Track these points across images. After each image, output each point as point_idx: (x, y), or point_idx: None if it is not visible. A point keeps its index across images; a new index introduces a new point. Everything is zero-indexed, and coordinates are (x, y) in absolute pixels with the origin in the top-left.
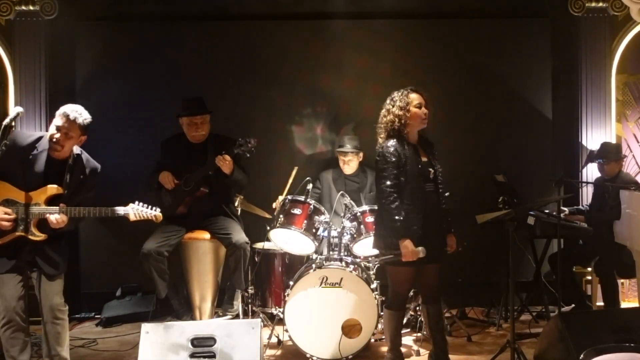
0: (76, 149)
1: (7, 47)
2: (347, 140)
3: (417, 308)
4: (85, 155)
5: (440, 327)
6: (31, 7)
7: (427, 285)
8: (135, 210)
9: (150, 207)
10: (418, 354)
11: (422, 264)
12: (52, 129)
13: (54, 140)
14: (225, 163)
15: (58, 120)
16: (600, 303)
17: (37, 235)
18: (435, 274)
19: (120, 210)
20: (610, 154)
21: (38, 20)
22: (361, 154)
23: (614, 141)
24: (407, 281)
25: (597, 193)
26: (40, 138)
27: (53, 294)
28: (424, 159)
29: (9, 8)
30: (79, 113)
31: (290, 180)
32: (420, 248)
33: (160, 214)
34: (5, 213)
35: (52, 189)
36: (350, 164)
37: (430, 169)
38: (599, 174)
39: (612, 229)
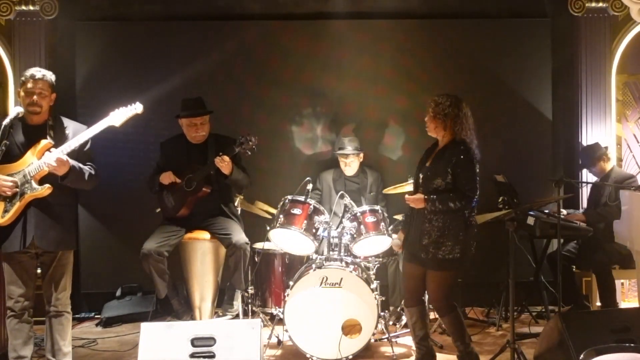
0: None
1: (7, 47)
2: (347, 142)
3: None
4: (65, 119)
5: (453, 337)
6: (31, 7)
7: (428, 292)
8: (116, 116)
9: (128, 105)
10: (415, 353)
11: (407, 262)
12: (26, 95)
13: (32, 102)
14: (223, 164)
15: (28, 85)
16: (600, 303)
17: (41, 189)
18: (428, 280)
19: (104, 122)
20: (592, 157)
21: (38, 20)
22: (362, 155)
23: (613, 141)
24: (403, 274)
25: (592, 194)
26: (12, 116)
27: (58, 286)
28: (427, 164)
29: (9, 8)
30: (43, 72)
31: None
32: (395, 241)
33: (141, 106)
34: (3, 180)
35: (43, 143)
36: (351, 165)
37: (420, 174)
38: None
39: (608, 226)
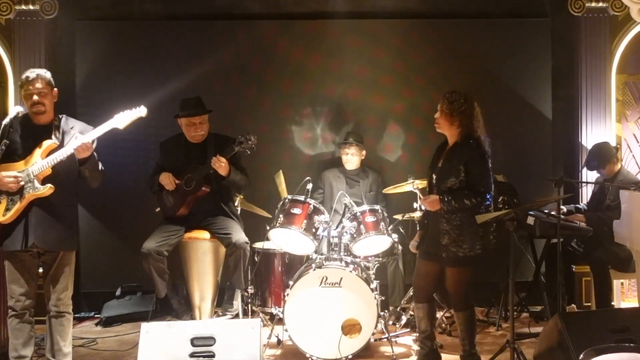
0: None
1: (7, 47)
2: (350, 135)
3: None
4: (71, 119)
5: (462, 335)
6: (31, 7)
7: (445, 288)
8: (120, 119)
9: (133, 108)
10: (417, 353)
11: (423, 260)
12: (27, 98)
13: (33, 103)
14: (220, 165)
15: (27, 88)
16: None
17: (43, 189)
18: (448, 277)
19: (109, 124)
20: (603, 159)
21: (38, 20)
22: (364, 152)
23: (613, 141)
24: (416, 271)
25: (596, 191)
26: (12, 116)
27: (59, 286)
28: (439, 164)
29: (9, 7)
30: (37, 71)
31: (282, 187)
32: (413, 242)
33: (145, 109)
34: (7, 176)
35: (47, 143)
36: (352, 158)
37: (434, 175)
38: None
39: (609, 227)
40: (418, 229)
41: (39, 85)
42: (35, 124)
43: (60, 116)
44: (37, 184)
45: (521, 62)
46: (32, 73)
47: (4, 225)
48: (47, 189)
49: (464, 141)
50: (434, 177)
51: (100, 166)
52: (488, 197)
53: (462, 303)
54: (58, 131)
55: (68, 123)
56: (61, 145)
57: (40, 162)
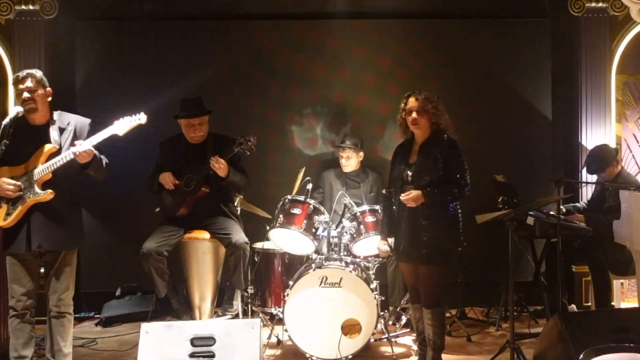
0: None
1: (7, 47)
2: (347, 137)
3: None
4: (65, 113)
5: (436, 333)
6: (31, 7)
7: (423, 286)
8: (120, 126)
9: (133, 114)
10: (417, 353)
11: (404, 263)
12: (18, 97)
13: (24, 100)
14: (219, 166)
15: (18, 87)
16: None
17: (43, 194)
18: (420, 275)
19: (108, 131)
20: (603, 163)
21: (38, 20)
22: (361, 153)
23: (613, 141)
24: (404, 274)
25: (596, 196)
26: (12, 116)
27: (61, 286)
28: (412, 161)
29: (9, 7)
30: (27, 70)
31: (298, 183)
32: (383, 247)
33: (145, 116)
34: (7, 183)
35: (47, 147)
36: (348, 161)
37: (408, 172)
38: None
39: (609, 229)
40: (381, 231)
41: (29, 83)
42: (31, 125)
43: (55, 112)
44: (37, 189)
45: (521, 62)
46: (22, 73)
47: (8, 229)
48: (47, 194)
49: (435, 136)
50: (409, 174)
51: (104, 162)
52: (468, 187)
53: (437, 301)
54: (55, 131)
55: (63, 120)
56: (60, 144)
57: (40, 166)
